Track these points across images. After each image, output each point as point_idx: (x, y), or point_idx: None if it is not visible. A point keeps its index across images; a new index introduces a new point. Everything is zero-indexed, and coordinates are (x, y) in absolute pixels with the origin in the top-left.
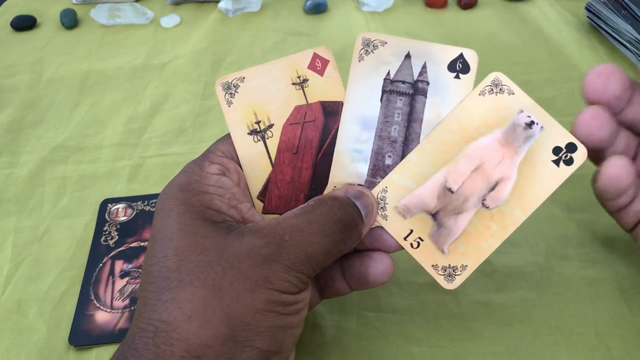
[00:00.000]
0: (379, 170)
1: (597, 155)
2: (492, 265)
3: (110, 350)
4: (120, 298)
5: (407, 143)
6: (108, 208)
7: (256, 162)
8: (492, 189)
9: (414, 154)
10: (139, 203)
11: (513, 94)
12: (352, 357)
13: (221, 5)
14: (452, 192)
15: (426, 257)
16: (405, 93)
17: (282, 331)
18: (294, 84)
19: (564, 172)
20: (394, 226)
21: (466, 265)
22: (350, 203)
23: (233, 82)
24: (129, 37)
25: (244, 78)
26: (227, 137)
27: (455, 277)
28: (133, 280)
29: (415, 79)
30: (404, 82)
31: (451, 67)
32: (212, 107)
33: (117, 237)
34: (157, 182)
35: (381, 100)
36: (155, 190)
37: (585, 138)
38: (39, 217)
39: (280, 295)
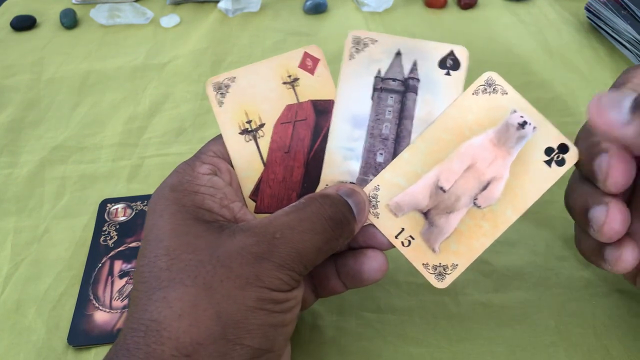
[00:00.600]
0: (370, 168)
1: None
2: (491, 265)
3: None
4: (119, 298)
5: (399, 141)
6: (107, 208)
7: (248, 161)
8: (484, 188)
9: (407, 152)
10: (139, 203)
11: (506, 93)
12: (351, 357)
13: (221, 5)
14: (444, 191)
15: (417, 255)
16: (396, 90)
17: (273, 329)
18: (284, 83)
19: (556, 172)
20: (386, 224)
21: (457, 265)
22: (341, 201)
23: (224, 82)
24: (128, 37)
25: (234, 78)
26: (219, 138)
27: (446, 276)
28: (132, 280)
29: (406, 77)
30: (394, 80)
31: (442, 64)
32: (211, 108)
33: (116, 237)
34: (156, 182)
35: (372, 98)
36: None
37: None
38: (38, 217)
39: (271, 293)
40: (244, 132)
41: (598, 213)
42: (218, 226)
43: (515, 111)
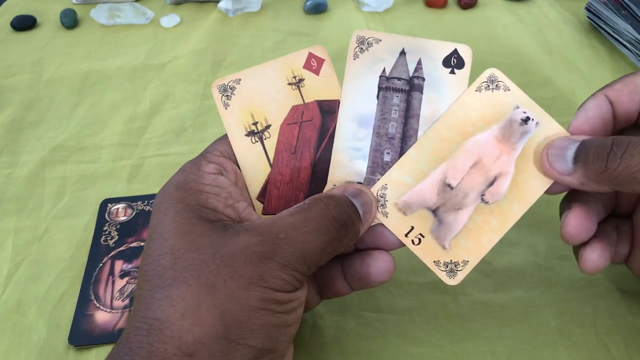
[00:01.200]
0: (377, 167)
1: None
2: (492, 265)
3: (110, 350)
4: (120, 298)
5: (405, 139)
6: (108, 208)
7: (254, 163)
8: (491, 184)
9: (413, 150)
10: (139, 203)
11: (509, 90)
12: (351, 357)
13: (221, 5)
14: (452, 188)
15: (428, 253)
16: (401, 89)
17: (276, 329)
18: (290, 84)
19: None
20: (395, 223)
21: (467, 261)
22: (346, 201)
23: (229, 84)
24: (128, 37)
25: (239, 80)
26: (225, 137)
27: (458, 272)
28: (133, 280)
29: (410, 76)
30: (399, 79)
31: (446, 62)
32: (212, 107)
33: (117, 237)
34: (157, 182)
35: (377, 97)
36: (155, 190)
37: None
38: (38, 217)
39: (275, 294)
40: (250, 133)
41: (562, 218)
42: (222, 225)
43: (518, 107)
